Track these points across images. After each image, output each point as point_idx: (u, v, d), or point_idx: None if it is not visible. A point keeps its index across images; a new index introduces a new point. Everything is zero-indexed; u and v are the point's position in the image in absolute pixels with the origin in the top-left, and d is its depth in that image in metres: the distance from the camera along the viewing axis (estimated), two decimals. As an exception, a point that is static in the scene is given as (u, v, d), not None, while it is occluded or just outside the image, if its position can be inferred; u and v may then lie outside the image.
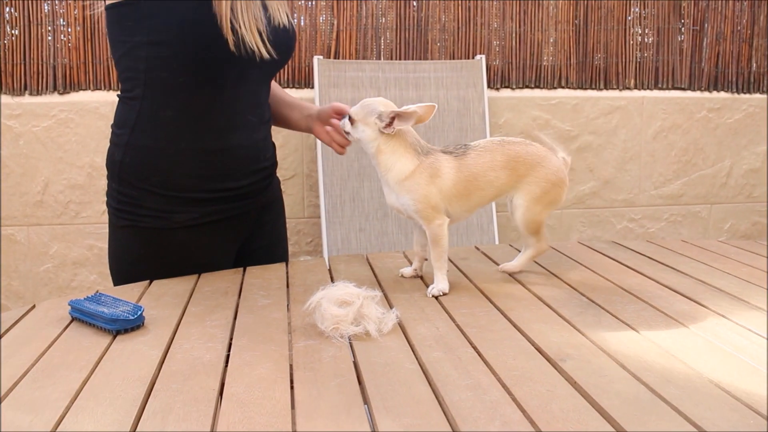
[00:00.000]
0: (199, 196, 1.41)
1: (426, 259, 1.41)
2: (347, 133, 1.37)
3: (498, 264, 1.46)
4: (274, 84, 1.60)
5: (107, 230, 1.48)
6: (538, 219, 1.36)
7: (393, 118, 1.29)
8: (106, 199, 1.46)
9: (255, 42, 1.32)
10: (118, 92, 1.43)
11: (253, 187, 1.49)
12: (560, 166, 1.38)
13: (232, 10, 1.29)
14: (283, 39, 1.44)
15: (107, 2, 1.36)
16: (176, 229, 1.41)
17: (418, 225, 1.37)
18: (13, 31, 2.65)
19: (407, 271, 1.41)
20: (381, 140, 1.31)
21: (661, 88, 3.10)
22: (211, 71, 1.36)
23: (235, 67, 1.36)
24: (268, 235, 1.60)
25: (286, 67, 2.82)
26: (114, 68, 2.69)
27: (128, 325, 1.08)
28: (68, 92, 2.71)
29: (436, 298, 1.26)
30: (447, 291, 1.29)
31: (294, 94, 2.60)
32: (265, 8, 1.39)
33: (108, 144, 1.45)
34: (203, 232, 1.44)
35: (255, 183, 1.50)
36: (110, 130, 1.44)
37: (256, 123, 1.46)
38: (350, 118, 1.34)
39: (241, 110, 1.43)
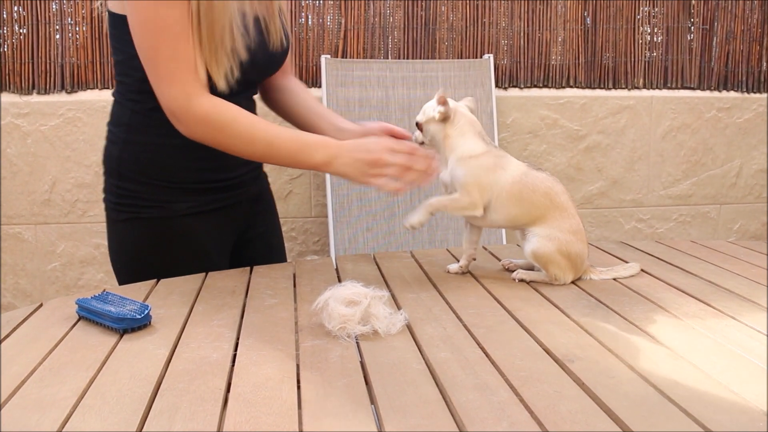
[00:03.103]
0: (195, 187, 1.46)
1: (474, 259, 1.43)
2: (422, 144, 1.39)
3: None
4: (304, 91, 1.60)
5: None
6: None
7: (442, 100, 1.34)
8: (104, 196, 1.51)
9: (219, 84, 1.34)
10: (113, 91, 1.47)
11: (243, 177, 1.53)
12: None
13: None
14: (274, 63, 1.49)
15: (109, 8, 1.37)
16: (176, 218, 1.45)
17: (470, 221, 1.41)
18: (21, 30, 2.66)
19: (454, 267, 1.42)
20: (446, 127, 1.35)
21: (670, 88, 3.09)
22: None
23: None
24: (262, 223, 1.64)
25: (294, 65, 2.83)
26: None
27: (135, 324, 1.08)
28: (76, 91, 2.72)
29: (444, 298, 1.25)
30: (416, 226, 1.33)
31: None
32: (265, 31, 1.41)
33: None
34: (201, 220, 1.48)
35: (245, 174, 1.54)
36: None
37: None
38: (418, 126, 1.39)
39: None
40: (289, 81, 1.60)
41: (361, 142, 1.33)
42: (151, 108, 1.39)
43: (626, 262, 1.46)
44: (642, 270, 1.43)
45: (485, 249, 1.62)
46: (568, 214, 1.35)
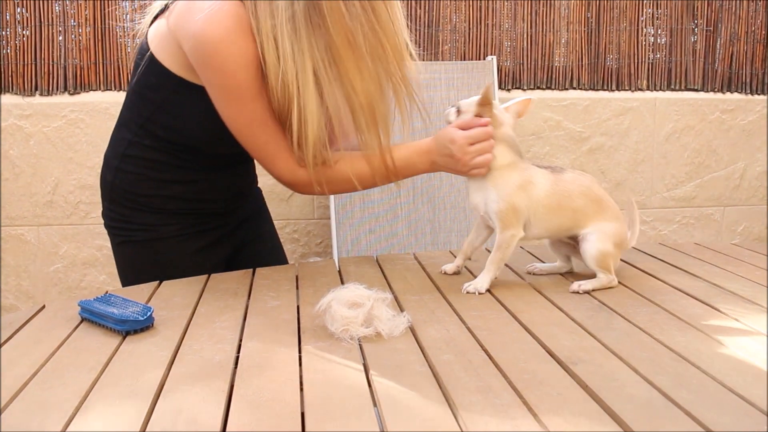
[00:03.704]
0: (181, 212, 1.48)
1: (470, 259, 1.43)
2: (450, 123, 1.38)
3: (508, 267, 1.46)
4: None
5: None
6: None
7: (486, 101, 1.31)
8: (103, 221, 1.55)
9: None
10: (119, 115, 1.49)
11: (230, 207, 1.56)
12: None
13: None
14: None
15: (153, 52, 1.34)
16: (165, 239, 1.48)
17: (484, 226, 1.39)
18: (24, 32, 2.66)
19: (449, 267, 1.42)
20: None
21: (674, 90, 3.08)
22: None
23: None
24: (252, 232, 1.65)
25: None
26: (123, 68, 2.71)
27: (138, 326, 1.08)
28: (78, 92, 2.72)
29: (447, 300, 1.25)
30: (483, 291, 1.29)
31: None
32: None
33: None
34: (190, 240, 1.50)
35: (232, 203, 1.57)
36: None
37: (239, 162, 1.53)
38: (458, 111, 1.37)
39: (225, 159, 1.48)
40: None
41: (443, 144, 1.36)
42: (147, 145, 1.43)
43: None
44: (645, 272, 1.41)
45: (488, 251, 1.62)
46: (605, 202, 1.34)
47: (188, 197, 1.47)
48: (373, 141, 1.32)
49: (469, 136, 1.32)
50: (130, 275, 1.52)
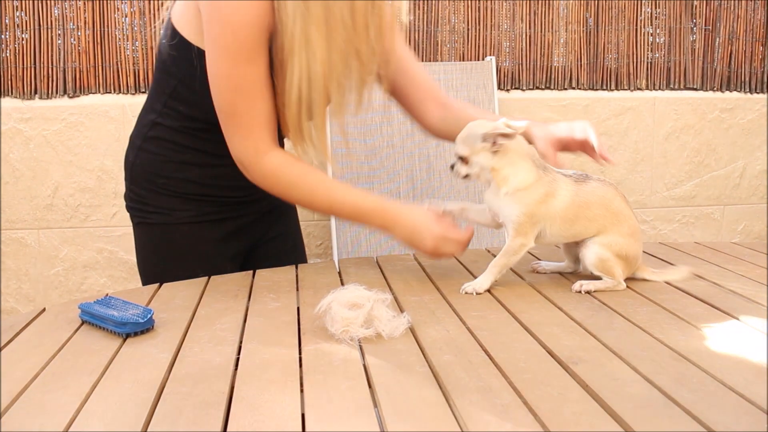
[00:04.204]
0: (199, 198, 1.49)
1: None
2: (466, 176, 1.32)
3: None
4: (460, 104, 1.58)
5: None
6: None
7: (497, 137, 1.26)
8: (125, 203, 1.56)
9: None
10: (147, 94, 1.51)
11: (249, 197, 1.55)
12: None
13: None
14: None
15: (182, 33, 1.35)
16: (179, 224, 1.49)
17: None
18: (23, 35, 2.67)
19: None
20: (496, 158, 1.28)
21: (673, 89, 3.08)
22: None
23: None
24: (275, 229, 1.65)
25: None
26: (122, 71, 2.72)
27: (138, 328, 1.08)
28: (78, 96, 2.72)
29: (447, 300, 1.25)
30: (481, 292, 1.29)
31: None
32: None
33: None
34: (205, 228, 1.51)
35: (251, 194, 1.54)
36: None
37: None
38: (463, 159, 1.31)
39: None
40: (448, 111, 1.56)
41: (418, 231, 1.35)
42: (168, 126, 1.44)
43: (673, 264, 1.47)
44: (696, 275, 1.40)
45: (488, 252, 1.62)
46: (624, 216, 1.33)
47: (206, 182, 1.48)
48: (319, 124, 1.32)
49: (446, 239, 1.34)
50: (145, 256, 1.54)
